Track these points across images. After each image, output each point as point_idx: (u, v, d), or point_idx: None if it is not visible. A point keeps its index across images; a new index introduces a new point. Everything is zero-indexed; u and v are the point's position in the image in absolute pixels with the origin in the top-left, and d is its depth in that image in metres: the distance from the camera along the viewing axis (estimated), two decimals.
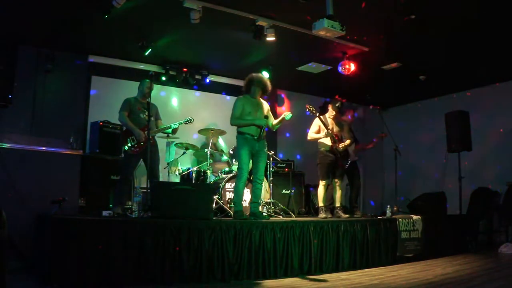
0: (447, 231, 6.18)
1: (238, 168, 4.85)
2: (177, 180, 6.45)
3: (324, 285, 4.02)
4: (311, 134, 5.86)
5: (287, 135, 9.07)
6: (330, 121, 5.86)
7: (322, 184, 5.78)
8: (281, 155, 8.54)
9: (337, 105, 5.82)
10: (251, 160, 4.92)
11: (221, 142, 7.24)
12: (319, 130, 5.78)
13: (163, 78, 7.38)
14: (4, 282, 2.27)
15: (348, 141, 5.90)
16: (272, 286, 3.92)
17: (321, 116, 5.84)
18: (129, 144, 5.17)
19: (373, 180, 9.91)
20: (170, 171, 6.49)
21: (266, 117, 4.92)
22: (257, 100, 5.01)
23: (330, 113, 5.90)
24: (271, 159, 6.57)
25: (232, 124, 4.91)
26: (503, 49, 6.36)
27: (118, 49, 6.77)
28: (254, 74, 5.02)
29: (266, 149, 5.03)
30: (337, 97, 5.94)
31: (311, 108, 5.56)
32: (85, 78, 6.89)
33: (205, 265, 3.91)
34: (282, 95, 9.07)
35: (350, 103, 9.36)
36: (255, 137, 4.82)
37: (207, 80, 7.78)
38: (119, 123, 5.90)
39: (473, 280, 4.13)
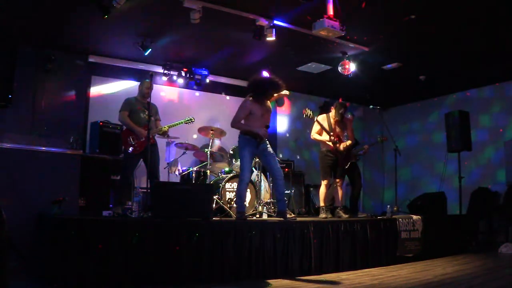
0: (447, 231, 6.17)
1: (240, 169, 4.78)
2: (177, 180, 6.45)
3: (324, 285, 4.02)
4: (314, 135, 5.84)
5: (287, 135, 9.07)
6: (332, 121, 5.84)
7: (323, 183, 5.77)
8: (281, 155, 8.54)
9: (340, 111, 5.76)
10: (259, 161, 4.88)
11: (221, 142, 7.23)
12: (320, 130, 5.77)
13: (163, 78, 7.38)
14: (5, 282, 2.27)
15: (349, 142, 5.89)
16: (272, 286, 3.92)
17: (324, 115, 5.83)
18: (130, 144, 5.17)
19: (373, 180, 9.92)
20: (170, 171, 6.48)
21: (267, 126, 4.83)
22: (266, 103, 4.89)
23: (332, 114, 5.86)
24: None
25: (232, 127, 4.80)
26: (503, 49, 6.35)
27: (118, 49, 6.77)
28: (276, 79, 4.78)
29: (269, 146, 4.92)
30: (340, 100, 5.90)
31: (308, 113, 5.50)
32: (85, 78, 6.89)
33: (205, 265, 3.91)
34: None
35: (351, 104, 9.37)
36: (257, 141, 4.74)
37: (207, 80, 7.78)
38: (119, 123, 5.91)
39: (473, 280, 4.13)
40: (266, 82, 4.85)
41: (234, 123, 4.73)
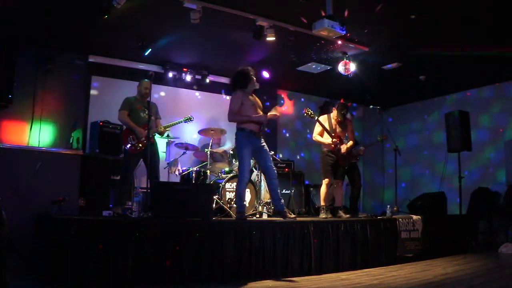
0: (447, 231, 6.18)
1: (239, 169, 4.74)
2: (177, 180, 6.45)
3: (324, 285, 4.02)
4: (316, 136, 5.84)
5: (287, 135, 9.07)
6: (333, 122, 5.85)
7: (324, 182, 5.77)
8: (281, 155, 8.54)
9: (342, 112, 5.76)
10: (254, 159, 4.87)
11: (221, 142, 7.23)
12: (322, 131, 5.77)
13: (163, 78, 7.38)
14: (5, 282, 2.27)
15: (351, 142, 5.88)
16: (272, 286, 3.93)
17: (325, 116, 5.85)
18: (130, 143, 5.18)
19: (373, 180, 9.92)
20: (170, 171, 6.49)
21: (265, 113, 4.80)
22: (253, 95, 4.89)
23: (334, 115, 5.87)
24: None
25: (230, 120, 4.74)
26: (503, 49, 6.35)
27: (118, 49, 6.77)
28: (249, 68, 4.84)
29: (265, 144, 4.86)
30: (342, 100, 5.89)
31: (309, 112, 5.52)
32: (85, 78, 6.89)
33: (205, 265, 3.91)
34: (282, 95, 9.08)
35: (351, 104, 9.36)
36: (257, 134, 4.69)
37: (207, 80, 7.78)
38: (119, 123, 5.91)
39: (473, 280, 4.13)
40: (238, 74, 4.84)
41: (232, 116, 4.67)
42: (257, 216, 5.58)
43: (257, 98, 4.95)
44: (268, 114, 4.86)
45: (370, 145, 7.21)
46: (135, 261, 3.64)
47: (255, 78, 4.84)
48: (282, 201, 4.88)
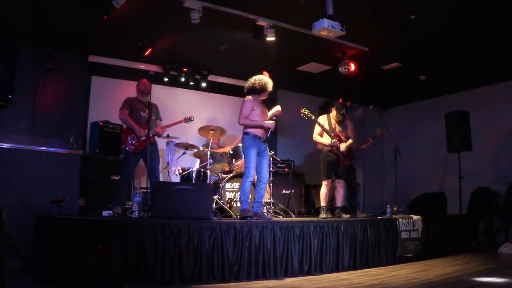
0: (447, 231, 6.18)
1: (245, 167, 4.87)
2: (177, 180, 6.45)
3: (324, 285, 4.02)
4: (316, 136, 5.86)
5: (287, 135, 9.06)
6: (333, 121, 5.86)
7: (324, 183, 5.79)
8: (281, 155, 8.53)
9: (342, 112, 5.78)
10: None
11: (221, 141, 7.23)
12: (322, 132, 5.79)
13: (164, 78, 7.38)
14: (4, 282, 2.27)
15: (350, 141, 5.90)
16: (272, 286, 3.92)
17: (324, 116, 5.85)
18: (130, 143, 5.18)
19: (373, 180, 9.91)
20: (170, 171, 6.49)
21: (272, 119, 4.98)
22: (262, 103, 5.07)
23: (333, 115, 5.88)
24: (271, 159, 6.56)
25: (240, 124, 4.91)
26: (503, 49, 6.35)
27: (118, 49, 6.76)
28: (267, 78, 5.02)
29: (267, 148, 5.07)
30: (341, 100, 5.90)
31: (306, 112, 5.52)
32: (85, 78, 6.88)
33: (205, 265, 3.91)
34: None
35: (350, 104, 9.35)
36: (262, 139, 4.88)
37: (207, 80, 7.78)
38: (119, 123, 5.91)
39: (473, 280, 4.13)
40: (254, 82, 5.00)
41: (244, 120, 4.85)
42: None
43: (264, 105, 5.10)
44: (270, 113, 5.06)
45: (373, 137, 7.17)
46: (135, 261, 3.64)
47: (269, 90, 4.99)
48: (261, 206, 4.97)
